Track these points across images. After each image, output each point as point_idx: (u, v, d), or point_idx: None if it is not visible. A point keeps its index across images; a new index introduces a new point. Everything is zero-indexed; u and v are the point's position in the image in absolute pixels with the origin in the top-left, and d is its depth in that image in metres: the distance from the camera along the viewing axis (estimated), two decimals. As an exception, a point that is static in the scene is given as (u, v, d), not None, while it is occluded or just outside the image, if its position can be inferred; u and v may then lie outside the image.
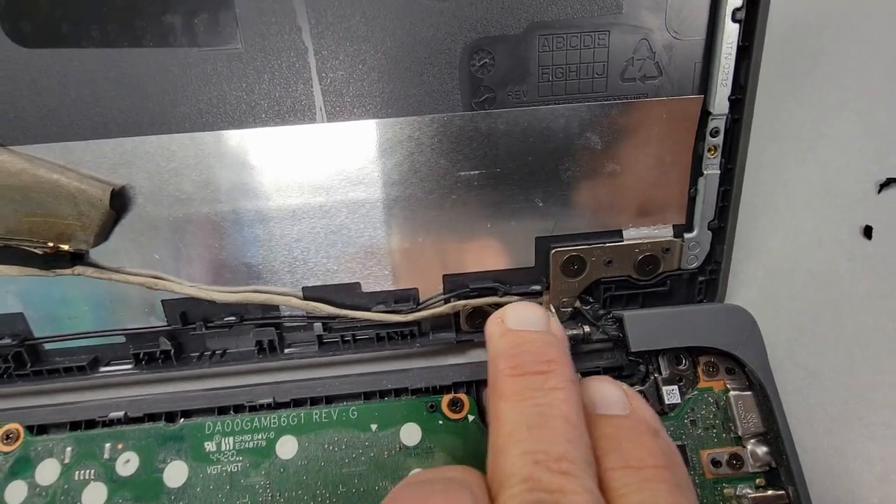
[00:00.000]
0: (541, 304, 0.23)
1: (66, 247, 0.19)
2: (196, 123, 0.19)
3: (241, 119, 0.19)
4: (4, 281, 0.21)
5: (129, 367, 0.22)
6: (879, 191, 0.27)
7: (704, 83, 0.20)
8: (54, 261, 0.20)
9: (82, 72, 0.19)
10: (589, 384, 0.17)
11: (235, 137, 0.20)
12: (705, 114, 0.21)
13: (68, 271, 0.20)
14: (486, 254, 0.22)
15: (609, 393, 0.16)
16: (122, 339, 0.22)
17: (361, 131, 0.20)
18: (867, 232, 0.26)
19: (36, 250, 0.20)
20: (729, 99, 0.20)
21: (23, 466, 0.20)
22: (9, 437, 0.20)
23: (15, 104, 0.19)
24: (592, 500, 0.13)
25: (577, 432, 0.14)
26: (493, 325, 0.17)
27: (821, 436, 0.22)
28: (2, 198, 0.19)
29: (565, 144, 0.21)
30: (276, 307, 0.22)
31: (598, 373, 0.22)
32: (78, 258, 0.21)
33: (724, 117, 0.20)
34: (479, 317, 0.23)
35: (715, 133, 0.21)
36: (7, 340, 0.21)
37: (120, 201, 0.20)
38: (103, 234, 0.20)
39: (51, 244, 0.19)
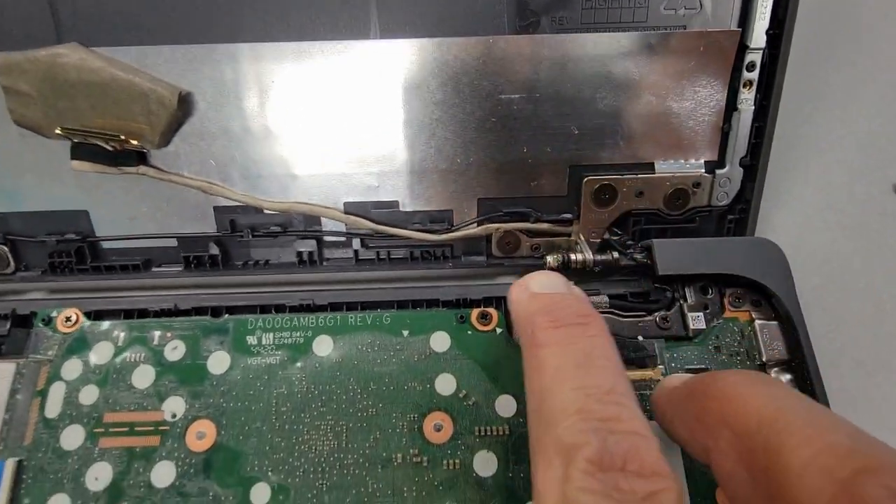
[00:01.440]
0: (570, 235, 0.24)
1: (135, 142, 0.21)
2: (259, 34, 0.21)
3: (302, 32, 0.21)
4: (74, 178, 0.23)
5: (179, 268, 0.24)
6: (914, 150, 0.27)
7: (744, 17, 0.21)
8: (122, 158, 0.22)
9: (161, -19, 0.20)
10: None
11: (294, 49, 0.21)
12: (743, 48, 0.21)
13: (133, 169, 0.22)
14: (521, 179, 0.23)
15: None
16: (174, 243, 0.24)
17: (411, 49, 0.21)
18: (900, 188, 0.26)
19: (107, 146, 0.21)
20: (767, 33, 0.21)
21: (79, 346, 0.21)
22: (69, 321, 0.22)
23: (98, 9, 0.21)
24: (645, 426, 0.13)
25: (620, 370, 0.15)
26: (517, 291, 0.18)
27: (846, 378, 0.23)
28: (81, 93, 0.21)
29: (603, 73, 0.21)
30: (318, 221, 0.24)
31: (625, 298, 0.22)
32: (142, 158, 0.22)
33: (762, 52, 0.21)
34: (510, 241, 0.24)
35: (751, 67, 0.21)
36: (71, 235, 0.23)
37: (185, 106, 0.22)
38: (168, 136, 0.22)
39: (123, 137, 0.21)
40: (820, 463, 0.12)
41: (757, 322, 0.21)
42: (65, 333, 0.22)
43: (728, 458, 0.13)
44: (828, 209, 0.26)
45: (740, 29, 0.21)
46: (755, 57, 0.21)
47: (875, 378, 0.22)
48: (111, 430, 0.20)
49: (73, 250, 0.23)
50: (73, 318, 0.22)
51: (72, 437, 0.20)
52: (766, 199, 0.23)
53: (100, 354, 0.21)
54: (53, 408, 0.20)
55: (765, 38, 0.21)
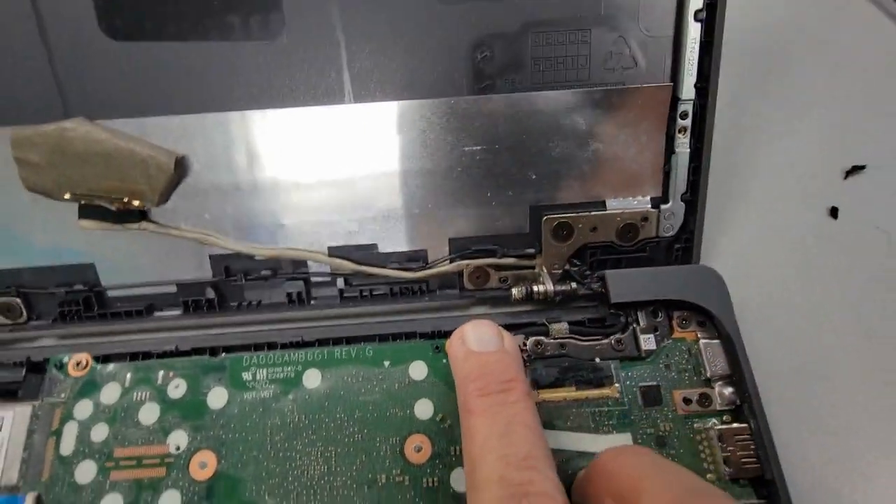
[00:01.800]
0: (534, 267, 0.26)
1: (136, 202, 0.23)
2: (247, 103, 0.23)
3: (283, 100, 0.24)
4: (81, 235, 0.25)
5: (179, 312, 0.26)
6: (846, 177, 0.30)
7: (674, 73, 0.24)
8: (125, 216, 0.24)
9: (158, 60, 0.23)
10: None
11: (277, 115, 0.24)
12: (675, 99, 0.24)
13: (135, 226, 0.24)
14: (487, 220, 0.26)
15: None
16: (174, 289, 0.26)
17: (382, 111, 0.24)
18: (833, 213, 0.29)
19: (111, 207, 0.24)
20: (695, 86, 0.24)
21: (90, 388, 0.23)
22: (79, 365, 0.24)
23: (103, 86, 0.23)
24: (554, 486, 0.16)
25: (536, 434, 0.17)
26: (455, 345, 0.20)
27: (786, 387, 0.25)
28: (87, 162, 0.23)
29: (554, 125, 0.24)
30: (304, 263, 0.26)
31: (583, 324, 0.25)
32: (143, 215, 0.25)
33: (692, 102, 0.24)
34: (480, 275, 0.26)
35: (684, 116, 0.24)
36: (80, 286, 0.25)
37: (181, 168, 0.24)
38: (166, 195, 0.24)
39: (125, 198, 0.23)
40: None
41: (702, 341, 0.24)
42: (76, 377, 0.24)
43: None
44: (768, 232, 0.28)
45: (672, 83, 0.24)
46: (687, 107, 0.24)
47: (812, 386, 0.25)
48: (121, 463, 0.22)
49: (81, 299, 0.25)
50: (84, 362, 0.24)
51: (85, 472, 0.22)
52: (710, 225, 0.26)
53: (109, 395, 0.23)
54: (67, 446, 0.22)
55: (693, 90, 0.24)
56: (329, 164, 0.24)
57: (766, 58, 0.32)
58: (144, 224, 0.24)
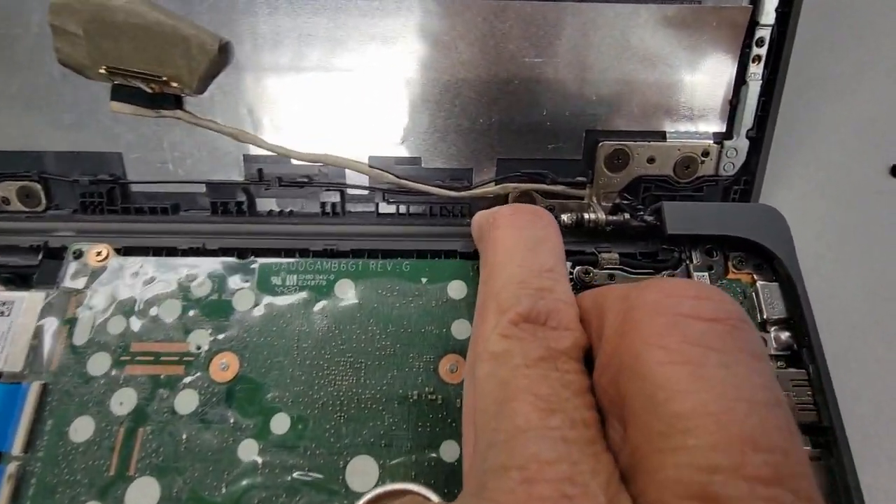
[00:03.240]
0: (583, 198, 0.25)
1: (175, 85, 0.22)
2: (299, -12, 0.22)
3: (338, -12, 0.22)
4: (111, 121, 0.23)
5: (207, 214, 0.24)
6: (909, 137, 0.28)
7: (754, -6, 0.22)
8: (160, 101, 0.23)
9: (208, -66, 0.21)
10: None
11: (331, 5, 0.22)
12: (753, 24, 0.23)
13: (170, 113, 0.23)
14: (539, 141, 0.24)
15: None
16: (203, 189, 0.25)
17: (443, 8, 0.22)
18: (894, 171, 0.28)
19: (147, 88, 0.22)
20: (776, 10, 0.22)
21: (109, 279, 0.22)
22: (99, 255, 0.23)
23: (147, -42, 0.22)
24: (571, 298, 0.16)
25: (562, 257, 0.17)
26: (481, 216, 0.19)
27: (840, 339, 0.24)
28: (126, 35, 0.21)
29: (622, 42, 0.23)
30: (342, 174, 0.25)
31: (634, 257, 0.23)
32: (179, 103, 0.23)
33: (771, 28, 0.22)
34: (526, 201, 0.25)
35: (760, 43, 0.23)
36: (104, 177, 0.24)
37: (224, 54, 0.22)
38: (206, 82, 0.23)
39: (164, 78, 0.21)
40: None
41: (759, 283, 0.22)
42: (95, 267, 0.22)
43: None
44: (827, 185, 0.27)
45: (752, 6, 0.22)
46: (764, 33, 0.22)
47: (867, 339, 0.24)
48: (137, 358, 0.21)
49: (104, 191, 0.24)
50: (104, 252, 0.23)
51: (98, 364, 0.21)
52: (769, 172, 0.25)
53: (129, 288, 0.22)
54: (81, 335, 0.21)
55: (774, 15, 0.22)
56: (380, 65, 0.23)
57: (834, 17, 0.30)
58: (180, 113, 0.23)
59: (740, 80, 0.23)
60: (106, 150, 0.24)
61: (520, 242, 0.17)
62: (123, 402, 0.20)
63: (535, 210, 0.18)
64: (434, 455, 0.20)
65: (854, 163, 0.28)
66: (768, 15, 0.22)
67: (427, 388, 0.21)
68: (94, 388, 0.20)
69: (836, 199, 0.27)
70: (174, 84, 0.22)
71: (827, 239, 0.26)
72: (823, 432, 0.20)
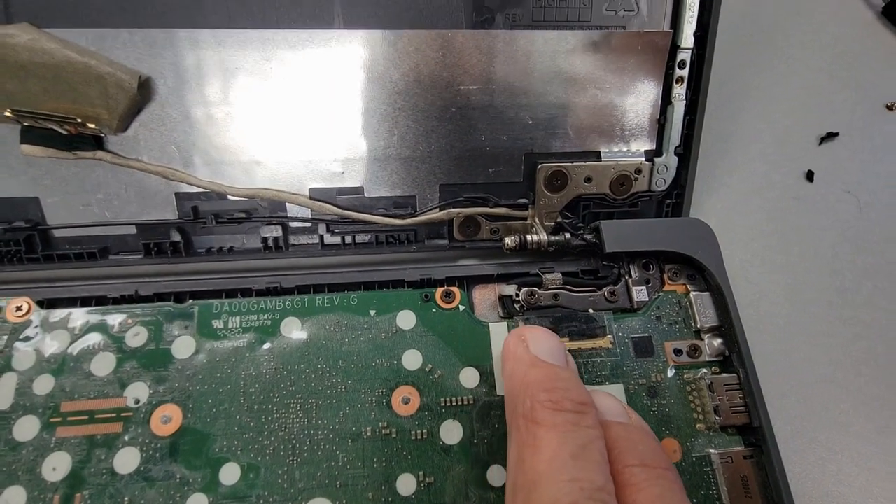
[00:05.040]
0: (526, 218, 0.26)
1: (92, 126, 0.21)
2: (223, 20, 0.21)
3: (265, 19, 0.21)
4: (24, 164, 0.22)
5: (139, 256, 0.23)
6: (820, 143, 0.31)
7: (674, 20, 0.23)
8: (77, 143, 0.21)
9: (119, -35, 0.20)
10: (595, 394, 0.18)
11: (257, 37, 0.22)
12: (674, 47, 0.24)
13: (90, 154, 0.22)
14: (480, 166, 0.24)
15: (613, 404, 0.18)
16: (133, 230, 0.23)
17: (374, 40, 0.22)
18: (809, 176, 0.30)
19: (61, 130, 0.21)
20: (694, 35, 0.23)
21: (32, 336, 0.21)
22: (19, 310, 0.21)
23: (52, -10, 0.20)
24: None
25: (607, 467, 0.16)
26: (518, 346, 0.18)
27: (768, 342, 0.25)
28: (32, 75, 0.20)
29: (554, 67, 0.23)
30: (283, 206, 0.24)
31: (576, 275, 0.24)
32: (99, 143, 0.22)
33: (691, 51, 0.24)
34: (471, 225, 0.25)
35: (682, 65, 0.24)
36: (20, 223, 0.22)
37: (145, 91, 0.21)
38: (127, 121, 0.22)
39: (79, 119, 0.20)
40: None
41: (692, 293, 0.24)
42: (15, 323, 0.21)
43: None
44: (751, 194, 0.29)
45: (672, 30, 0.23)
46: (685, 55, 0.24)
47: (791, 340, 0.25)
48: (69, 419, 0.20)
49: (21, 239, 0.22)
50: (25, 307, 0.21)
51: (25, 428, 0.19)
52: (697, 184, 0.26)
53: (54, 343, 0.21)
54: (4, 399, 0.20)
55: (693, 38, 0.23)
56: (313, 95, 0.23)
57: (750, 34, 0.32)
58: (100, 154, 0.22)
59: (666, 100, 0.24)
60: (20, 194, 0.22)
61: (564, 448, 0.15)
62: (56, 467, 0.19)
63: (578, 400, 0.17)
64: (391, 490, 0.20)
65: (774, 171, 0.30)
66: (687, 39, 0.23)
67: (380, 423, 0.21)
68: (22, 454, 0.19)
69: (760, 206, 0.29)
70: (91, 125, 0.21)
71: (752, 246, 0.28)
72: (754, 432, 0.21)
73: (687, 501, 0.16)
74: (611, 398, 0.19)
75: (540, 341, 0.18)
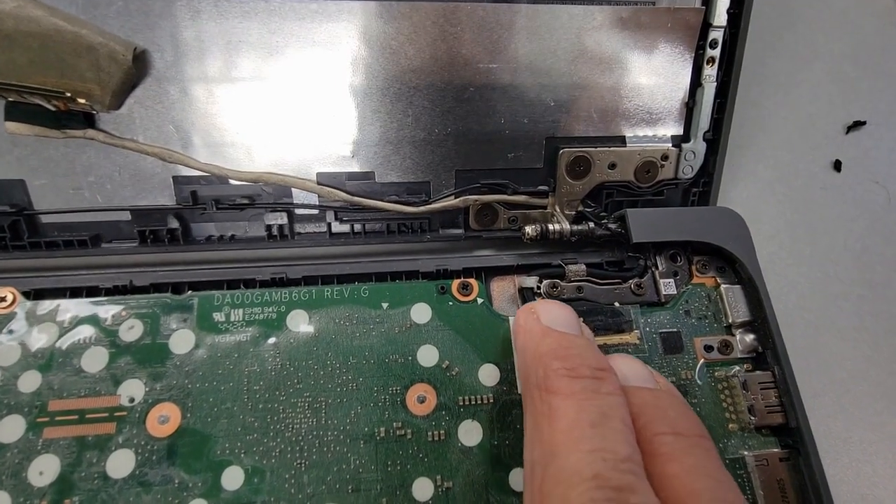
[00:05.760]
0: (546, 207, 0.24)
1: (82, 101, 0.19)
2: (225, -11, 0.20)
3: (271, -11, 0.20)
4: (8, 143, 0.20)
5: (134, 244, 0.22)
6: (847, 132, 0.29)
7: (706, -4, 0.22)
8: (66, 120, 0.20)
9: (113, -74, 0.19)
10: (616, 359, 0.17)
11: (263, 8, 0.20)
12: (706, 25, 0.22)
13: (79, 133, 0.20)
14: (498, 151, 0.23)
15: (638, 368, 0.17)
16: (128, 217, 0.22)
17: (391, 12, 0.21)
18: (837, 166, 0.29)
19: (49, 105, 0.19)
20: (728, 12, 0.22)
21: (17, 329, 0.19)
22: (3, 301, 0.19)
23: (38, -47, 0.19)
24: (654, 500, 0.13)
25: (633, 436, 0.15)
26: (526, 317, 0.17)
27: (798, 336, 0.24)
28: (17, 45, 0.18)
29: (578, 46, 0.22)
30: (288, 192, 0.22)
31: (601, 267, 0.23)
32: (90, 121, 0.20)
33: (723, 29, 0.22)
34: (488, 213, 0.24)
35: (714, 45, 0.22)
36: (5, 208, 0.21)
37: (140, 64, 0.20)
38: (120, 97, 0.20)
39: (69, 94, 0.19)
40: None
41: (722, 287, 0.22)
42: (-1, 315, 0.19)
43: None
44: (777, 183, 0.28)
45: (704, 7, 0.22)
46: (717, 34, 0.22)
47: (823, 336, 0.24)
48: (57, 418, 0.18)
49: (6, 225, 0.21)
50: (9, 297, 0.20)
51: (10, 429, 0.18)
52: (724, 173, 0.25)
53: (41, 337, 0.19)
54: (-14, 398, 0.18)
55: (726, 16, 0.22)
56: (321, 72, 0.21)
57: (774, 19, 0.31)
58: (91, 132, 0.20)
59: (695, 82, 0.23)
60: (4, 176, 0.20)
61: (583, 416, 0.14)
62: (44, 471, 0.18)
63: (595, 365, 0.15)
64: (407, 495, 0.18)
65: (800, 160, 0.28)
66: (720, 16, 0.22)
67: (395, 423, 0.19)
68: (6, 457, 0.18)
69: (786, 196, 0.28)
70: (81, 100, 0.19)
71: (780, 237, 0.27)
72: (790, 433, 0.20)
73: (725, 472, 0.14)
74: (635, 362, 0.17)
75: (552, 312, 0.17)
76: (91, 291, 0.20)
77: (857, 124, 0.29)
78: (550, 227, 0.22)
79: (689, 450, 0.14)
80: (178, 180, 0.22)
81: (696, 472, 0.14)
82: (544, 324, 0.17)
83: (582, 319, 0.21)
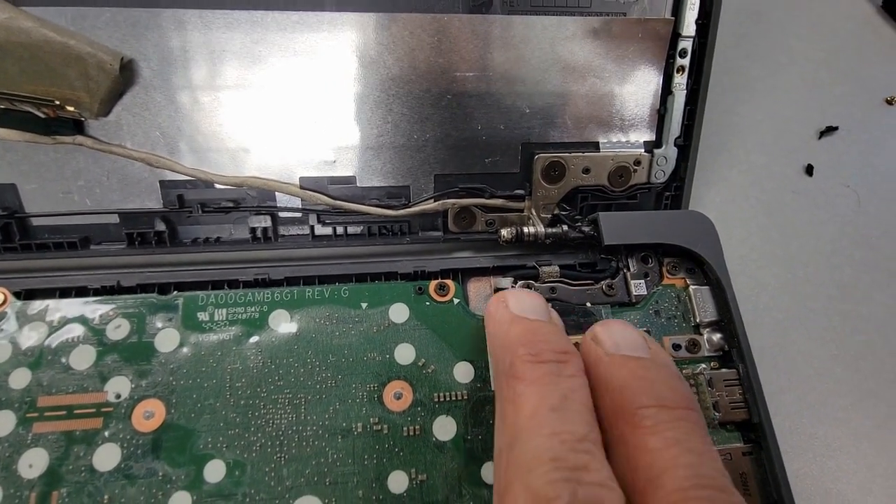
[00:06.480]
0: (522, 210, 0.25)
1: (71, 109, 0.20)
2: (208, 1, 0.20)
3: (253, 0, 0.21)
4: (0, 149, 0.21)
5: (122, 246, 0.22)
6: (820, 137, 0.30)
7: (676, 7, 0.23)
8: (56, 127, 0.20)
9: (100, -60, 0.19)
10: (611, 325, 0.17)
11: (246, 18, 0.21)
12: (675, 36, 0.23)
13: (69, 139, 0.21)
14: (475, 156, 0.24)
15: (630, 335, 0.17)
16: (116, 220, 0.23)
17: (367, 23, 0.21)
18: (809, 170, 0.29)
19: (39, 113, 0.20)
20: (696, 22, 0.23)
21: (8, 328, 0.20)
22: (-6, 300, 0.20)
23: (29, -34, 0.19)
24: (610, 476, 0.14)
25: (593, 417, 0.15)
26: (496, 307, 0.18)
27: (766, 336, 0.25)
28: (8, 55, 0.19)
29: (552, 55, 0.23)
30: (272, 195, 0.23)
31: (574, 268, 0.23)
32: (79, 128, 0.21)
33: (692, 39, 0.23)
34: (466, 216, 0.24)
35: (683, 54, 0.23)
36: (-3, 211, 0.21)
37: (128, 73, 0.21)
38: (108, 105, 0.21)
39: (58, 102, 0.19)
40: None
41: (691, 287, 0.23)
42: (-10, 315, 0.20)
43: None
44: (750, 187, 0.28)
45: (674, 18, 0.23)
46: (686, 44, 0.23)
47: (791, 336, 0.25)
48: (46, 414, 0.19)
49: (-2, 227, 0.22)
50: (1, 297, 0.20)
51: (0, 424, 0.19)
52: (696, 177, 0.25)
53: (32, 336, 0.20)
54: (-22, 394, 0.19)
55: (695, 27, 0.23)
56: (303, 81, 0.22)
57: (749, 25, 0.32)
58: (80, 139, 0.21)
59: (666, 90, 0.24)
60: (-4, 181, 0.21)
61: (544, 401, 0.15)
62: (33, 463, 0.18)
63: (558, 349, 0.16)
64: (382, 487, 0.19)
65: (773, 164, 0.29)
66: (689, 27, 0.23)
67: (372, 419, 0.20)
68: (-3, 451, 0.18)
69: (758, 199, 0.28)
70: (70, 108, 0.20)
71: (752, 240, 0.27)
72: (753, 428, 0.21)
73: (710, 446, 0.15)
74: (628, 327, 0.17)
75: (520, 299, 0.18)
76: (80, 292, 0.21)
77: (830, 129, 0.30)
78: (525, 229, 0.23)
79: (671, 423, 0.14)
80: (165, 184, 0.22)
81: (675, 445, 0.14)
82: (513, 311, 0.17)
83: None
